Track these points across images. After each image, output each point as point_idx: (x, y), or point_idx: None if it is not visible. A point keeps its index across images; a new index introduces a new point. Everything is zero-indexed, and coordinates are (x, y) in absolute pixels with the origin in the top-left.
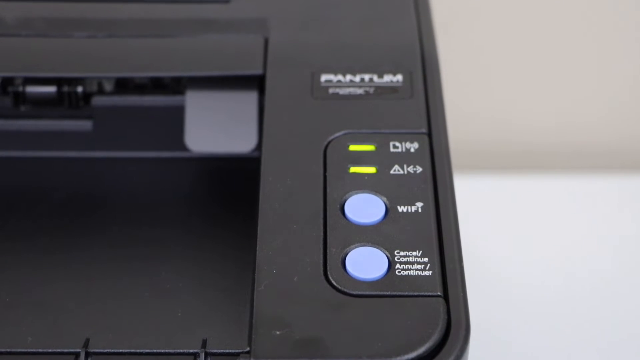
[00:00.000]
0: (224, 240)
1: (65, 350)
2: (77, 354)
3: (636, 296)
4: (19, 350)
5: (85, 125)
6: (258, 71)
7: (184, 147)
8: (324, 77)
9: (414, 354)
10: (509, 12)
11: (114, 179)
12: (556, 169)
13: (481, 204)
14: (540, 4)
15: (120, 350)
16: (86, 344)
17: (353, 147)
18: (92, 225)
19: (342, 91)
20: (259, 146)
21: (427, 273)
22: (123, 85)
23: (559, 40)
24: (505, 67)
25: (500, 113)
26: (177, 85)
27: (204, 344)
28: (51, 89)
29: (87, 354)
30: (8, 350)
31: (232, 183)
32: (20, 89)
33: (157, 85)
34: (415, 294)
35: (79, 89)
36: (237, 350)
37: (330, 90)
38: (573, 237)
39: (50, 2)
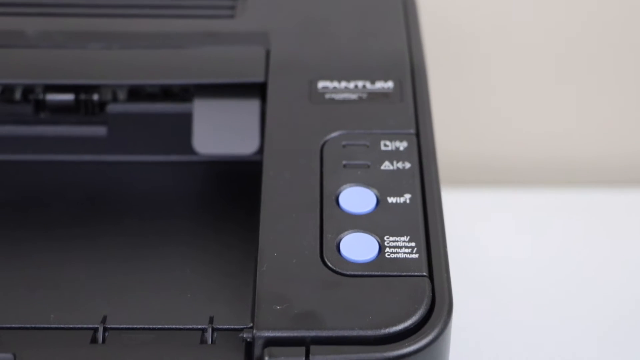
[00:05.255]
0: (229, 232)
1: (85, 326)
2: (95, 329)
3: (629, 306)
4: (43, 325)
5: (100, 130)
6: (260, 79)
7: (191, 151)
8: (320, 84)
9: (401, 327)
10: (503, 24)
11: (127, 180)
12: (546, 183)
13: (480, 217)
14: (532, 14)
15: (135, 326)
16: (104, 320)
17: (347, 146)
18: (107, 220)
19: (338, 96)
20: (261, 149)
21: (414, 256)
22: (136, 94)
23: (556, 49)
24: (500, 80)
25: (494, 126)
26: (186, 94)
27: (211, 320)
28: (69, 96)
29: (105, 329)
30: (33, 325)
31: (237, 184)
32: (41, 96)
33: (167, 94)
34: (403, 274)
35: (95, 96)
36: (241, 326)
37: (327, 96)
38: (568, 249)
39: (69, 17)
